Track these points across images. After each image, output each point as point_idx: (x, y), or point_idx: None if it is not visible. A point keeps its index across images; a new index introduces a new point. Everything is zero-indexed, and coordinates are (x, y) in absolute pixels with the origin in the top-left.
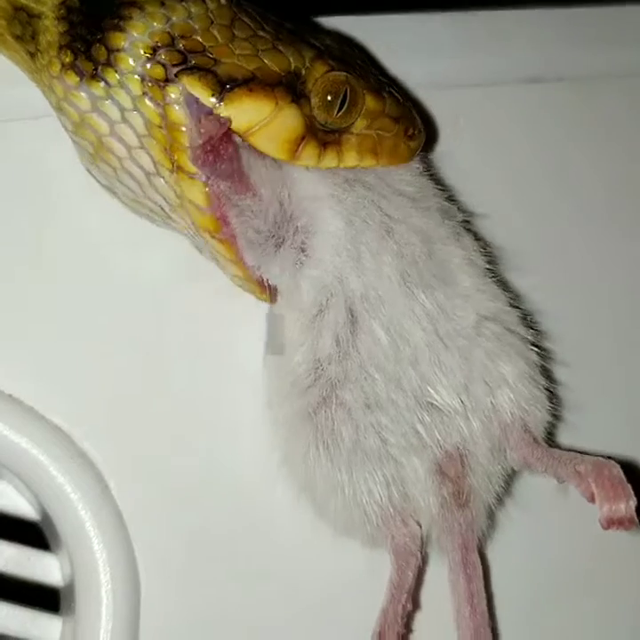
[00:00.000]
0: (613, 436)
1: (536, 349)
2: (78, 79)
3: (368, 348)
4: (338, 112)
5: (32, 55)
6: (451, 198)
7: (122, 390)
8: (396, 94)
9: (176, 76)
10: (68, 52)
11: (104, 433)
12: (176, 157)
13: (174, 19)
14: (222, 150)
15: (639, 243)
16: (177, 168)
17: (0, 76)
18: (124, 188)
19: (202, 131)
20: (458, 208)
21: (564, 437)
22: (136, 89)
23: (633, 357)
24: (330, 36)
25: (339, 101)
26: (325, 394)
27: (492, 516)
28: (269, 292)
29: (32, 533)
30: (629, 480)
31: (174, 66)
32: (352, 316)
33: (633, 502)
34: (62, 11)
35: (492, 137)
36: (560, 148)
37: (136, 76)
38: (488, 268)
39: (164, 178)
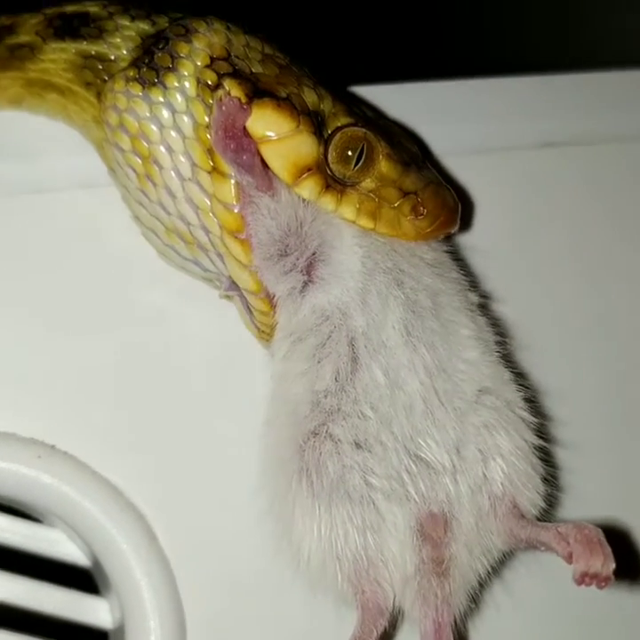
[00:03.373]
0: (608, 520)
1: (536, 430)
2: (141, 88)
3: (365, 385)
4: (354, 166)
5: (100, 95)
6: (471, 281)
7: (170, 449)
8: (430, 175)
9: (223, 80)
10: (133, 68)
11: (152, 487)
12: (215, 158)
13: (234, 41)
14: (245, 143)
15: None
16: (213, 169)
17: (59, 146)
18: (160, 210)
19: (223, 108)
20: (475, 289)
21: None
22: (191, 90)
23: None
24: (383, 119)
25: (355, 156)
26: (317, 425)
27: (475, 596)
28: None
29: (83, 579)
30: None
31: (224, 74)
32: (353, 351)
33: (611, 563)
34: (139, 51)
35: (511, 204)
36: (574, 216)
37: (193, 79)
38: (497, 347)
39: (199, 182)
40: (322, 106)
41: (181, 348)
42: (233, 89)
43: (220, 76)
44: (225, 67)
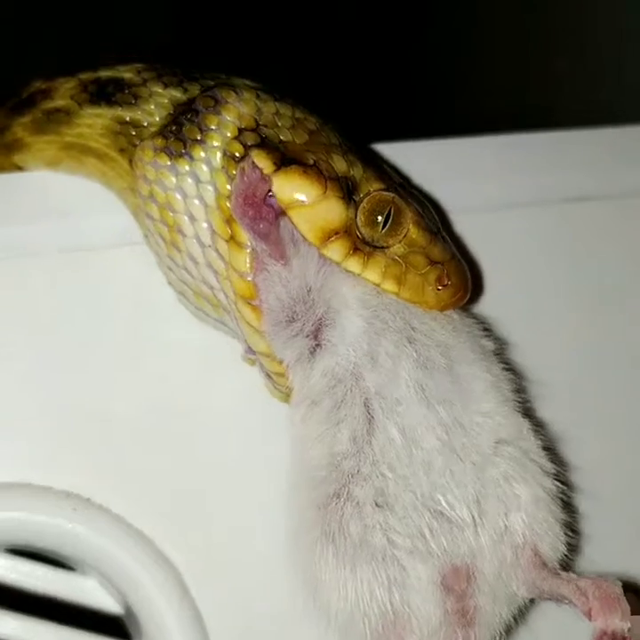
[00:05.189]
0: (632, 568)
1: (555, 478)
2: (168, 159)
3: (382, 445)
4: (382, 229)
5: (131, 162)
6: (484, 328)
7: (203, 503)
8: (451, 246)
9: (249, 151)
10: (160, 138)
11: (185, 540)
12: (233, 228)
13: (263, 110)
14: (263, 211)
15: None
16: (231, 238)
17: (100, 204)
18: (186, 275)
19: (244, 178)
20: (490, 337)
21: (581, 569)
22: (217, 162)
23: None
24: (408, 184)
25: (383, 219)
26: (338, 488)
27: None
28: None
29: (116, 626)
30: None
31: (251, 145)
32: (368, 413)
33: (628, 621)
34: (169, 118)
35: (531, 259)
36: (600, 271)
37: (220, 151)
38: (513, 396)
39: (218, 250)
40: (352, 171)
41: (217, 404)
42: (260, 158)
43: (247, 148)
44: (252, 137)
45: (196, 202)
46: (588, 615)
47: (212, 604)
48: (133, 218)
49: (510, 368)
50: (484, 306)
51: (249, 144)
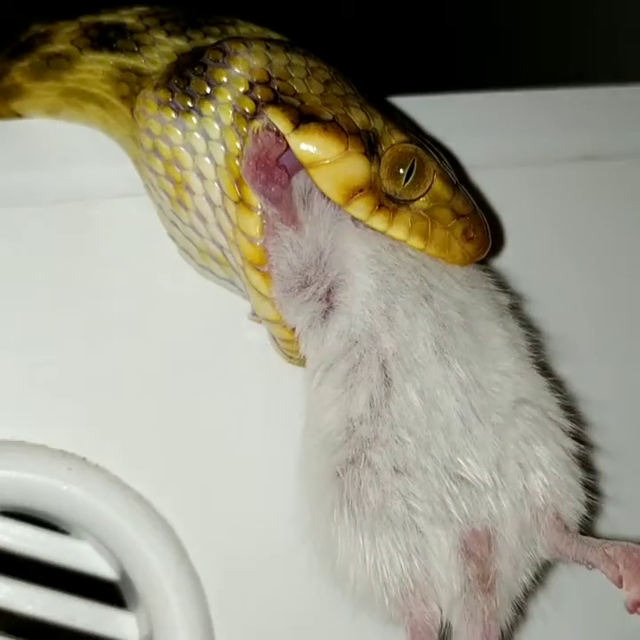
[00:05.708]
0: None
1: (575, 438)
2: (174, 113)
3: (400, 409)
4: (405, 182)
5: (133, 111)
6: (499, 282)
7: (203, 464)
8: (471, 198)
9: (263, 108)
10: (165, 91)
11: (184, 502)
12: (242, 189)
13: (275, 61)
14: (276, 175)
15: None
16: (240, 200)
17: (101, 153)
18: (193, 233)
19: (258, 141)
20: (506, 291)
21: (601, 530)
22: (227, 119)
23: None
24: (424, 136)
25: (406, 172)
26: (355, 454)
27: (520, 608)
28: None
29: (109, 592)
30: None
31: (264, 102)
32: (386, 375)
33: None
34: (172, 68)
35: (547, 216)
36: (615, 229)
37: (230, 107)
38: (531, 353)
39: (227, 211)
40: (372, 124)
41: (221, 361)
42: (276, 117)
43: (260, 104)
44: (265, 93)
45: (207, 160)
46: (619, 583)
47: (211, 569)
48: (135, 167)
49: (526, 324)
50: (500, 261)
51: (261, 99)
